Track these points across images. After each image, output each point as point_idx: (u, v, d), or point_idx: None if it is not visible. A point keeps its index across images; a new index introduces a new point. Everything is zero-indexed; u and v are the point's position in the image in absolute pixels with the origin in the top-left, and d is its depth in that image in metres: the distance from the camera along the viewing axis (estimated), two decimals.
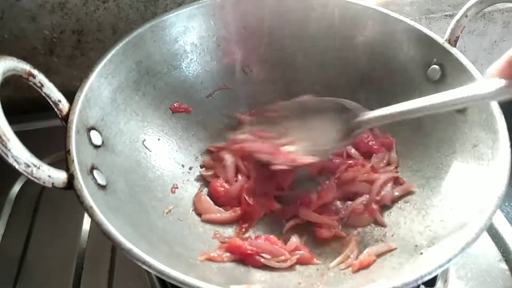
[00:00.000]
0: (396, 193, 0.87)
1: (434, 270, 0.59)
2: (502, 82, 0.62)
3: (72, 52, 1.14)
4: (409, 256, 0.71)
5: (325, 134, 0.86)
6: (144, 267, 0.57)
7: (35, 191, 1.00)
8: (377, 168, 0.92)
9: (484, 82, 0.64)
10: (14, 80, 0.62)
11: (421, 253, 0.70)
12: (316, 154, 0.85)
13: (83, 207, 0.60)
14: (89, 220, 0.60)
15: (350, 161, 0.93)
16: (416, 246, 0.73)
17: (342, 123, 0.84)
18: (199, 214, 0.86)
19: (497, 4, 1.14)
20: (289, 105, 0.93)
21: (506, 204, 1.06)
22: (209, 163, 0.94)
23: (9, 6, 1.04)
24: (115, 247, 0.59)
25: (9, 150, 0.54)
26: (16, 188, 1.01)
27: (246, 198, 0.85)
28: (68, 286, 0.86)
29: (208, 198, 0.88)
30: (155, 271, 0.57)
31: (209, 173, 0.92)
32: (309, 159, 0.84)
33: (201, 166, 0.94)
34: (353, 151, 0.95)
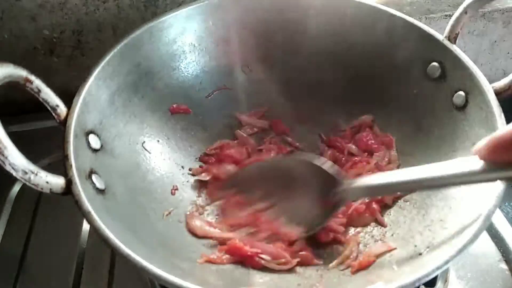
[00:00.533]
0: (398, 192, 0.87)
1: (432, 272, 0.59)
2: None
3: (72, 52, 1.14)
4: (409, 257, 0.71)
5: (307, 200, 0.83)
6: (142, 272, 0.57)
7: (35, 191, 0.97)
8: (382, 166, 0.91)
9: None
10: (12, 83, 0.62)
11: (420, 254, 0.70)
12: (301, 224, 0.82)
13: (81, 213, 0.60)
14: None
15: (355, 158, 0.93)
16: (415, 246, 0.73)
17: (324, 190, 0.80)
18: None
19: (497, 4, 1.14)
20: (264, 165, 0.91)
21: (506, 204, 1.05)
22: (199, 170, 0.93)
23: (9, 6, 1.04)
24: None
25: (6, 158, 0.54)
26: (16, 188, 1.01)
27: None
28: (68, 286, 0.86)
29: (200, 219, 0.86)
30: (153, 277, 0.57)
31: (207, 177, 0.90)
32: (295, 232, 0.81)
33: (201, 167, 0.93)
34: (354, 147, 0.95)
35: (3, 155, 0.54)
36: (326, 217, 0.81)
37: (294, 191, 0.84)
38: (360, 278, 0.73)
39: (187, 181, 0.91)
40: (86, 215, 0.60)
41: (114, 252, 0.59)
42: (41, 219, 0.97)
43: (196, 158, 0.95)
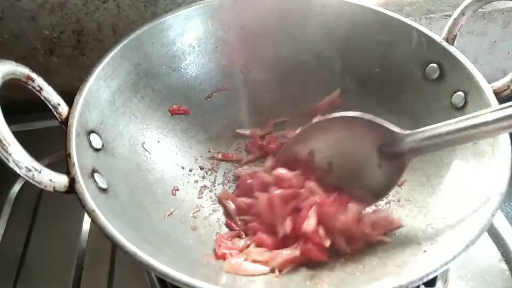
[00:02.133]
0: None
1: (439, 268, 0.59)
2: None
3: (72, 52, 1.14)
4: (413, 254, 0.71)
5: (367, 164, 0.81)
6: (149, 270, 0.58)
7: (35, 191, 1.00)
8: None
9: None
10: (14, 81, 0.62)
11: (425, 251, 0.69)
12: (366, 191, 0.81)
13: (85, 211, 0.60)
14: (89, 220, 0.60)
15: None
16: (419, 244, 0.72)
17: (384, 149, 0.78)
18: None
19: (497, 4, 1.14)
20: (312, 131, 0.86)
21: (506, 204, 1.05)
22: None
23: (9, 6, 1.04)
24: (115, 247, 0.59)
25: (10, 155, 0.54)
26: (16, 188, 1.02)
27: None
28: (68, 286, 0.86)
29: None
30: (160, 274, 0.57)
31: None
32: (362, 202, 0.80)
33: (201, 168, 0.94)
34: None
35: (7, 152, 0.54)
36: (394, 180, 0.80)
37: (351, 155, 0.82)
38: (366, 275, 0.73)
39: (188, 182, 0.91)
40: (90, 213, 0.60)
41: (120, 250, 0.58)
42: (41, 219, 0.97)
43: (196, 159, 0.95)
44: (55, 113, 0.68)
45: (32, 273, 0.88)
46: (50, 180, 0.59)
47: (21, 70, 0.62)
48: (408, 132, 0.75)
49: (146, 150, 0.85)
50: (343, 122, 0.82)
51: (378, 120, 0.78)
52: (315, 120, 0.86)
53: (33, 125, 1.12)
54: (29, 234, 0.94)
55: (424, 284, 0.62)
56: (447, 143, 0.73)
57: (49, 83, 0.67)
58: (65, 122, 0.68)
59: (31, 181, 0.57)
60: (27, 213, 0.98)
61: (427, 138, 0.72)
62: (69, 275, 0.87)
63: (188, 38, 0.94)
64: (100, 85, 0.78)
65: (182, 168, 0.91)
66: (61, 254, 0.91)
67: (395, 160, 0.78)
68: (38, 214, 0.98)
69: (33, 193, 1.00)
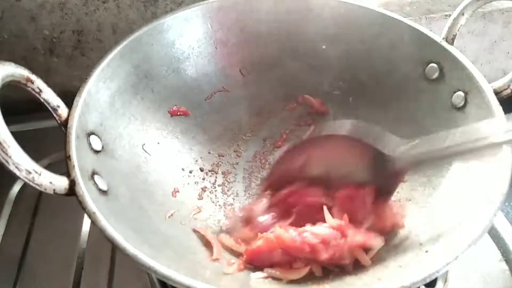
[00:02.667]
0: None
1: (442, 268, 0.59)
2: None
3: (72, 52, 1.14)
4: (415, 255, 0.70)
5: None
6: (150, 272, 0.58)
7: (35, 191, 0.98)
8: None
9: None
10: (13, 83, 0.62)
11: (427, 251, 0.69)
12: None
13: (86, 213, 0.60)
14: (89, 220, 0.60)
15: None
16: (420, 244, 0.72)
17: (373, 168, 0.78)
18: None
19: (497, 4, 1.14)
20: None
21: (506, 204, 1.05)
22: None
23: (9, 6, 1.04)
24: (115, 247, 0.59)
25: (9, 157, 0.54)
26: (16, 188, 1.02)
27: None
28: (68, 286, 0.86)
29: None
30: (161, 277, 0.57)
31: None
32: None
33: (201, 169, 0.93)
34: None
35: (6, 154, 0.54)
36: (390, 191, 0.80)
37: (345, 169, 0.81)
38: (368, 276, 0.72)
39: (188, 183, 0.90)
40: (90, 215, 0.60)
41: (120, 251, 0.58)
42: (41, 219, 0.97)
43: (196, 161, 0.94)
44: (54, 115, 0.68)
45: (32, 273, 0.88)
46: (50, 183, 0.59)
47: (21, 72, 0.62)
48: (398, 153, 0.75)
49: (146, 151, 0.85)
50: (332, 140, 0.81)
51: (367, 141, 0.77)
52: (304, 138, 0.85)
53: (33, 125, 1.12)
54: (29, 234, 0.94)
55: (425, 284, 0.62)
56: (441, 158, 0.75)
57: (49, 83, 0.67)
58: (65, 124, 0.68)
59: (31, 183, 0.57)
60: (27, 213, 0.98)
61: (418, 156, 0.73)
62: (69, 275, 0.87)
63: (187, 39, 0.94)
64: (100, 86, 0.77)
65: (182, 169, 0.91)
66: (61, 254, 0.91)
67: (388, 176, 0.78)
68: (38, 214, 0.98)
69: (33, 193, 1.00)
